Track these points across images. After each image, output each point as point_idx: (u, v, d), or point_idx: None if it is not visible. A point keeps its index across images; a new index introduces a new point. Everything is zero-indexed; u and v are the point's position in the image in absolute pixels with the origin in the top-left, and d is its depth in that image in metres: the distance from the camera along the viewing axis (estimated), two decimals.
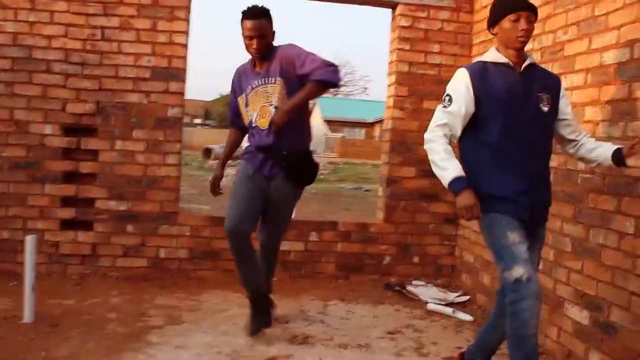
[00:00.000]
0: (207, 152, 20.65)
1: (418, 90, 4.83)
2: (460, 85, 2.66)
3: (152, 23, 4.57)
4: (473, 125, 2.69)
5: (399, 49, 4.79)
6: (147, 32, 4.57)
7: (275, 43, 3.41)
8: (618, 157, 2.65)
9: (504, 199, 2.61)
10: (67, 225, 4.63)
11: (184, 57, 4.66)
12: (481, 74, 2.65)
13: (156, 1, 4.55)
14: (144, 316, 3.84)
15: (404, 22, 4.76)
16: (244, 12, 3.29)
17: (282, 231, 3.69)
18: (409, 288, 4.62)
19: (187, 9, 4.63)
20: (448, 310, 4.18)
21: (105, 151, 4.61)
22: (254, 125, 3.42)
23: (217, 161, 3.76)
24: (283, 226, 3.64)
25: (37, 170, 4.56)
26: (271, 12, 3.34)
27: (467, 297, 4.52)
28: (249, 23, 3.25)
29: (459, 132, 2.70)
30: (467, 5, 4.80)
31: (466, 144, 2.77)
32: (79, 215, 4.63)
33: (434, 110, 4.65)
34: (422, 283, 4.79)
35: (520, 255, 2.52)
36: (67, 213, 4.62)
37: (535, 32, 3.77)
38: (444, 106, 2.70)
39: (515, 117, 2.61)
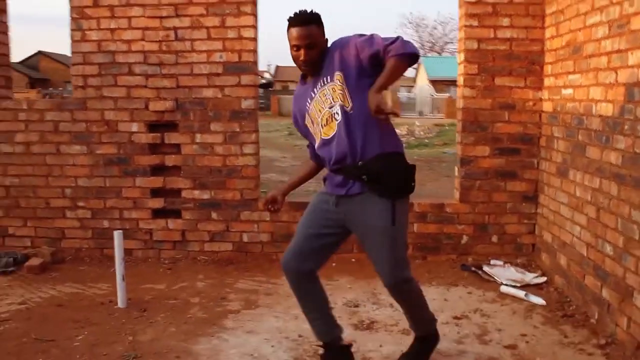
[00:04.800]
0: None
1: (489, 67, 4.68)
2: None
3: (220, 20, 4.76)
4: None
5: (466, 26, 4.65)
6: (216, 29, 4.77)
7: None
8: None
9: None
10: (158, 214, 5.03)
11: (254, 50, 4.82)
12: None
13: None
14: (224, 300, 4.13)
15: None
16: (290, 19, 2.79)
17: (397, 263, 2.80)
18: (485, 269, 4.59)
19: (253, 3, 4.77)
20: (521, 293, 4.11)
21: (187, 144, 4.92)
22: (322, 139, 2.85)
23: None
24: (393, 256, 2.78)
25: (128, 165, 4.96)
26: (322, 18, 2.83)
27: (544, 279, 4.42)
28: (295, 31, 2.74)
29: None
30: None
31: None
32: (168, 205, 5.01)
33: (507, 86, 4.62)
34: (500, 263, 4.73)
35: None
36: (157, 203, 5.00)
37: (603, 3, 3.58)
38: None
39: None
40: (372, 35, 2.76)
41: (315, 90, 2.83)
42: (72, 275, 4.67)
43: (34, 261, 4.78)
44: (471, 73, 4.71)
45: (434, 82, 39.31)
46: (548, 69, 4.56)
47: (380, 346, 3.38)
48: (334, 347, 3.06)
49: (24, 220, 5.13)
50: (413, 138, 19.25)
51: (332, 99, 2.76)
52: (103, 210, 5.03)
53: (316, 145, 2.92)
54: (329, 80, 2.78)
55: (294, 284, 2.99)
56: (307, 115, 2.91)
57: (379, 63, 2.68)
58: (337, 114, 2.75)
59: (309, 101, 2.86)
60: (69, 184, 5.02)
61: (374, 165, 2.74)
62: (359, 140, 2.73)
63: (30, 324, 3.72)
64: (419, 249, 4.94)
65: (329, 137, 2.81)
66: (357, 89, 2.72)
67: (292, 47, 2.78)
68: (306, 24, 2.75)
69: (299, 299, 3.04)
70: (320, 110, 2.82)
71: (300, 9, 2.82)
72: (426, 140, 18.81)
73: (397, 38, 2.70)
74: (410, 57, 2.69)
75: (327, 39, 2.85)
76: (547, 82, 4.58)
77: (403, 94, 36.15)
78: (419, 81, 42.01)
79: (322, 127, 2.82)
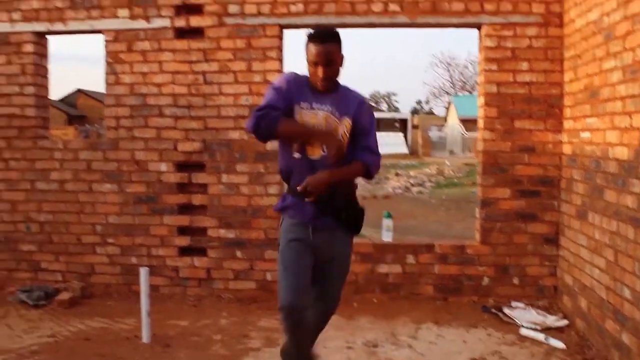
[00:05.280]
0: None
1: (508, 110, 4.77)
2: None
3: (247, 65, 4.97)
4: None
5: (486, 70, 4.76)
6: (243, 73, 4.98)
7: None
8: None
9: None
10: (184, 251, 5.16)
11: None
12: None
13: (249, 44, 4.95)
14: (246, 338, 4.20)
15: (489, 43, 4.73)
16: (310, 35, 2.87)
17: (340, 292, 3.16)
18: (506, 311, 4.58)
19: (279, 48, 4.97)
20: (540, 336, 4.10)
21: (214, 184, 5.08)
22: (299, 153, 2.94)
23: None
24: (342, 286, 3.16)
25: (156, 204, 5.13)
26: (340, 36, 2.92)
27: (566, 322, 4.39)
28: (315, 47, 2.82)
29: None
30: (556, 19, 4.65)
31: None
32: (194, 243, 5.14)
33: (527, 129, 4.69)
34: (522, 305, 4.72)
35: None
36: (184, 241, 5.14)
37: (617, 49, 3.66)
38: None
39: None
40: (373, 127, 3.06)
41: (319, 105, 2.92)
42: (100, 310, 4.81)
43: (64, 295, 4.94)
44: (491, 116, 4.79)
45: (465, 121, 39.23)
46: (567, 112, 4.62)
47: None
48: None
49: (56, 255, 5.32)
50: (442, 178, 19.24)
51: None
52: (131, 247, 5.19)
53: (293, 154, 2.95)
54: (337, 116, 2.93)
55: (296, 321, 2.91)
56: (296, 108, 2.91)
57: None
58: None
59: (304, 106, 2.92)
60: (100, 220, 5.21)
61: (345, 204, 2.99)
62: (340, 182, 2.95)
63: (58, 356, 3.85)
64: (439, 290, 4.96)
65: (312, 158, 2.91)
66: (350, 141, 2.96)
67: (310, 62, 2.87)
68: (326, 41, 2.84)
69: (296, 336, 2.98)
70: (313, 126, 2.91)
71: (320, 26, 2.96)
72: (455, 180, 18.80)
73: (378, 154, 3.04)
74: (368, 175, 3.04)
75: (343, 56, 2.93)
76: (567, 125, 4.63)
77: (434, 133, 36.13)
78: (450, 120, 42.04)
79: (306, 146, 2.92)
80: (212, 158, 5.06)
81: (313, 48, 2.83)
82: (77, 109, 48.04)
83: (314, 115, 2.92)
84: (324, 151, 2.90)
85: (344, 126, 2.93)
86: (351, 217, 3.03)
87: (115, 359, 3.81)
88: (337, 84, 2.98)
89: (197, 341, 4.15)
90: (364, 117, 2.99)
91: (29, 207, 5.32)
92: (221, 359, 3.82)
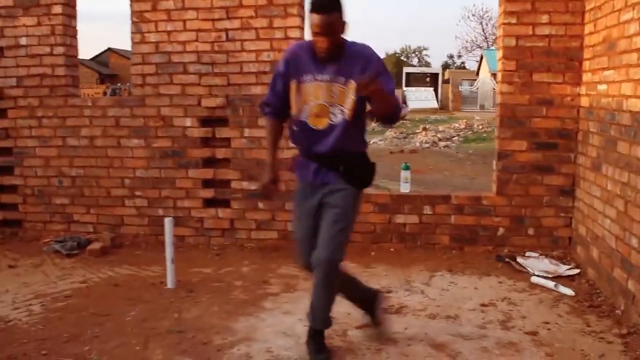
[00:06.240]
0: None
1: (527, 63, 4.77)
2: None
3: (268, 21, 5.06)
4: None
5: (504, 24, 4.76)
6: (264, 30, 5.07)
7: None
8: None
9: None
10: (208, 203, 5.38)
11: None
12: None
13: (271, 1, 5.02)
14: (266, 284, 4.41)
15: None
16: (312, 4, 2.82)
17: (340, 244, 3.01)
18: (519, 260, 4.70)
19: (300, 5, 5.03)
20: (550, 284, 4.22)
21: (236, 138, 5.24)
22: (302, 121, 3.03)
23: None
24: (339, 236, 3.01)
25: (182, 158, 5.33)
26: (342, 3, 2.86)
27: (577, 271, 4.49)
28: (317, 18, 2.78)
29: None
30: None
31: None
32: (218, 195, 5.35)
33: (545, 82, 4.69)
34: (536, 255, 4.82)
35: None
36: (208, 193, 5.35)
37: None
38: None
39: None
40: (390, 77, 3.00)
41: (322, 75, 2.94)
42: (129, 259, 5.08)
43: (96, 245, 5.22)
44: (509, 69, 4.81)
45: (495, 76, 38.55)
46: (586, 64, 4.61)
47: (406, 329, 3.58)
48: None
49: (87, 208, 5.59)
50: (471, 132, 19.12)
51: (338, 100, 2.95)
52: (158, 199, 5.42)
53: (296, 121, 3.07)
54: (341, 81, 2.93)
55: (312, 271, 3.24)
56: (296, 84, 3.00)
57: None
58: (334, 115, 2.97)
59: (307, 77, 2.97)
60: (128, 174, 5.44)
61: (351, 161, 3.07)
62: (346, 142, 3.01)
63: (89, 300, 4.12)
64: (455, 239, 5.09)
65: (318, 129, 2.99)
66: (358, 103, 2.95)
67: (312, 32, 2.85)
68: (328, 11, 2.80)
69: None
70: (316, 97, 2.97)
71: None
72: (484, 135, 18.67)
73: (396, 101, 3.01)
74: (394, 117, 3.04)
75: (345, 23, 2.89)
76: (585, 77, 4.63)
77: (465, 88, 35.65)
78: (482, 74, 41.30)
79: (310, 115, 2.99)
80: (234, 113, 5.21)
81: (316, 18, 2.80)
82: (109, 67, 48.55)
83: (317, 87, 2.96)
84: (331, 120, 2.96)
85: (351, 90, 2.92)
86: (353, 171, 3.07)
87: (142, 302, 4.06)
88: (342, 48, 2.93)
89: (219, 287, 4.38)
90: (372, 67, 2.90)
91: (61, 162, 5.58)
92: (241, 303, 4.04)
